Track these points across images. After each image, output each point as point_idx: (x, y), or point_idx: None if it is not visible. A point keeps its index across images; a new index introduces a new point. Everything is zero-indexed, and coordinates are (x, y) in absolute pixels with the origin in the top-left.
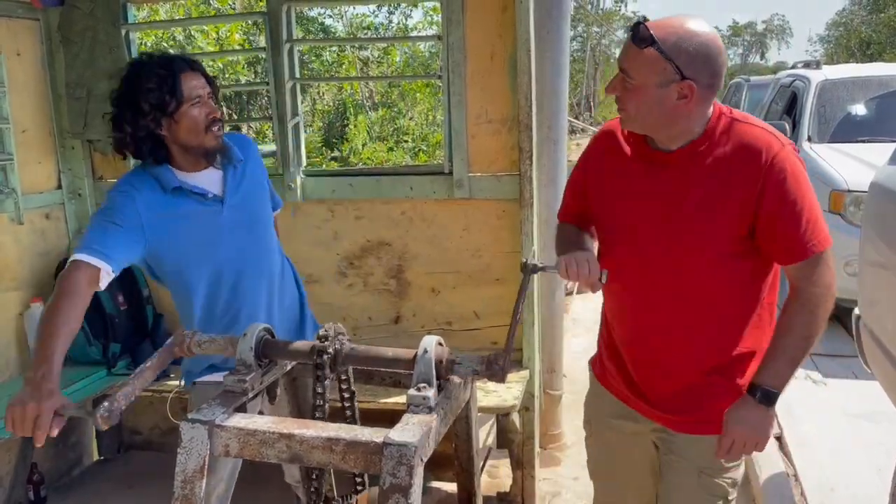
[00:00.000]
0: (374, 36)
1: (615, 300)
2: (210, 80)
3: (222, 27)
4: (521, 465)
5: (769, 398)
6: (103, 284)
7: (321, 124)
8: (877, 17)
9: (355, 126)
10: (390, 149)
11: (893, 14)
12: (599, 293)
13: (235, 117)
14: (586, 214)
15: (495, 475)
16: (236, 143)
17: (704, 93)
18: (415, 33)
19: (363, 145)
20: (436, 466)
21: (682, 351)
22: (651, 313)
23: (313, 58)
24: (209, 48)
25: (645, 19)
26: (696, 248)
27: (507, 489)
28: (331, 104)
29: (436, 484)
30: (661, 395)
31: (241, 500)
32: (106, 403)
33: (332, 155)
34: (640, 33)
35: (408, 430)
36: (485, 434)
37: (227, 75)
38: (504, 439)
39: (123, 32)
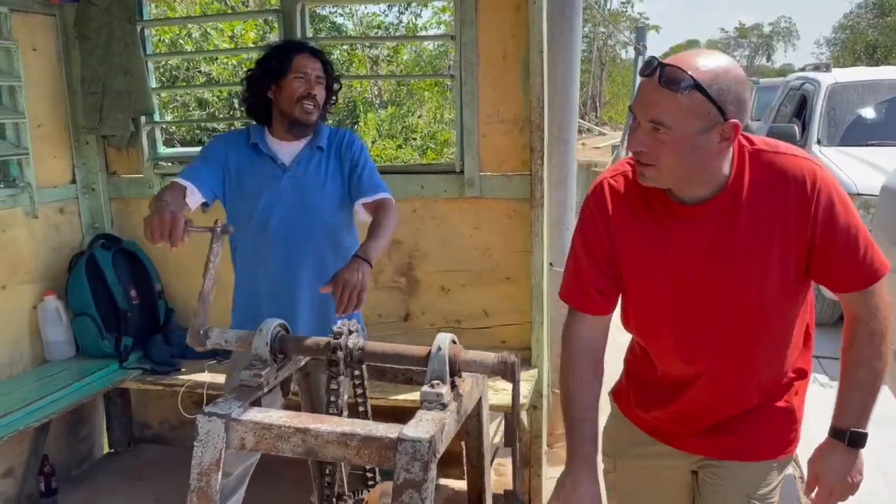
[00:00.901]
0: (386, 35)
1: (660, 358)
2: (328, 69)
3: (237, 25)
4: (529, 464)
5: (859, 440)
6: (191, 202)
7: (332, 122)
8: (883, 21)
9: (365, 124)
10: (399, 146)
11: None
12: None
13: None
14: (604, 289)
15: (502, 473)
16: (333, 135)
17: (740, 130)
18: (423, 33)
19: (373, 142)
20: (444, 464)
21: (734, 390)
22: (701, 362)
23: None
24: (224, 46)
25: (654, 59)
26: (758, 294)
27: (514, 487)
28: (341, 102)
29: (444, 481)
30: (707, 428)
31: (254, 495)
32: (220, 224)
33: None
34: (674, 76)
35: (422, 426)
36: (492, 432)
37: (240, 72)
38: (512, 437)
39: (139, 29)
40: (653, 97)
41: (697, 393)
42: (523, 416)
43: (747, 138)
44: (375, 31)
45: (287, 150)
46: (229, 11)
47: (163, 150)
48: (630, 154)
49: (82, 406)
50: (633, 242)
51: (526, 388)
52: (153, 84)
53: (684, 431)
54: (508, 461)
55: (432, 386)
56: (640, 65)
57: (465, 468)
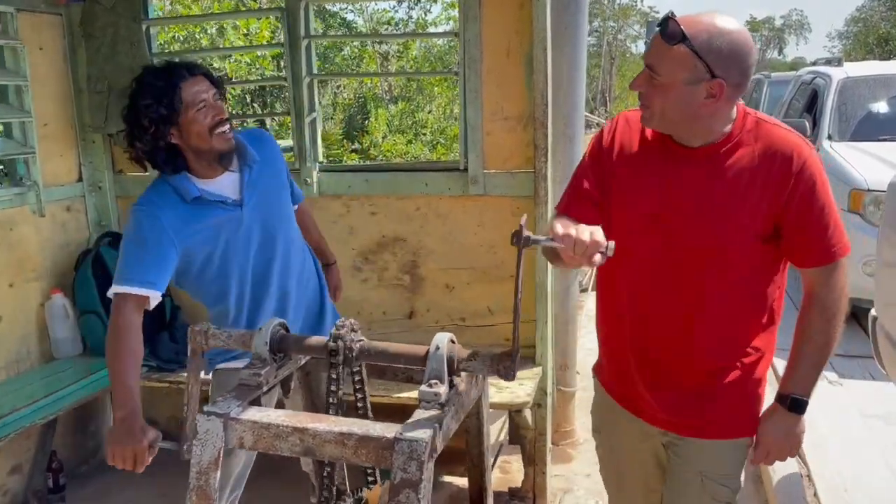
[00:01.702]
0: (395, 31)
1: (621, 296)
2: (215, 82)
3: (253, 23)
4: (533, 462)
5: (799, 406)
6: (152, 304)
7: (342, 117)
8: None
9: (375, 119)
10: (409, 141)
11: None
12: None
13: (260, 111)
14: (594, 207)
15: (507, 470)
16: (252, 139)
17: (732, 92)
18: (433, 29)
19: (383, 138)
20: (447, 461)
21: (692, 349)
22: (663, 309)
23: (335, 52)
24: (239, 42)
25: (673, 14)
26: (719, 243)
27: (519, 485)
28: (352, 97)
29: (447, 479)
30: (669, 399)
31: (255, 491)
32: (187, 444)
33: (353, 147)
34: (669, 29)
35: (419, 426)
36: (497, 430)
37: (254, 70)
38: (516, 435)
39: (144, 28)
40: (653, 46)
41: (648, 351)
42: (527, 413)
43: (756, 112)
44: (386, 27)
45: (225, 183)
46: (231, 8)
47: None
48: None
49: (90, 403)
50: (626, 168)
51: (530, 386)
52: None
53: (647, 401)
54: (514, 459)
55: (430, 385)
56: None
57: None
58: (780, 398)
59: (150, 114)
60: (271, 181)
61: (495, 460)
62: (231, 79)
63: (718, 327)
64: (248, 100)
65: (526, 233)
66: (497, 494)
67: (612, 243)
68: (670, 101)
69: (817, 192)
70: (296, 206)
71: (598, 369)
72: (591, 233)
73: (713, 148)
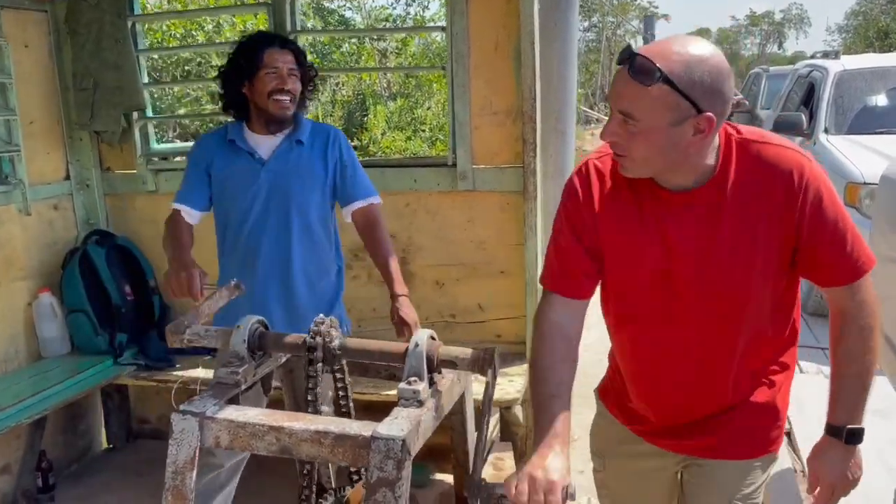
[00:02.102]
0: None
1: (638, 349)
2: (301, 61)
3: (249, 19)
4: (524, 458)
5: (856, 436)
6: (193, 220)
7: (341, 114)
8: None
9: (374, 116)
10: (408, 138)
11: None
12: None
13: None
14: (587, 279)
15: (500, 467)
16: (316, 130)
17: (719, 122)
18: (431, 24)
19: (382, 134)
20: (440, 459)
21: (721, 386)
22: (686, 359)
23: (333, 49)
24: (235, 38)
25: (634, 49)
26: (740, 285)
27: None
28: (350, 94)
29: (439, 476)
30: (691, 427)
31: (247, 489)
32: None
33: (353, 144)
34: (640, 67)
35: (396, 424)
36: (491, 427)
37: None
38: (507, 432)
39: (129, 24)
40: (622, 88)
41: (677, 387)
42: (518, 410)
43: (735, 128)
44: (384, 23)
45: (266, 144)
46: (214, 3)
47: (156, 145)
48: None
49: (79, 402)
50: (616, 227)
51: (520, 382)
52: (145, 79)
53: (667, 430)
54: (508, 455)
55: (409, 383)
56: None
57: None
58: (834, 430)
59: (235, 62)
60: (305, 167)
61: (487, 457)
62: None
63: (746, 357)
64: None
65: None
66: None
67: (573, 493)
68: (655, 147)
69: (826, 206)
70: (355, 205)
71: (604, 394)
72: (545, 485)
73: (708, 186)
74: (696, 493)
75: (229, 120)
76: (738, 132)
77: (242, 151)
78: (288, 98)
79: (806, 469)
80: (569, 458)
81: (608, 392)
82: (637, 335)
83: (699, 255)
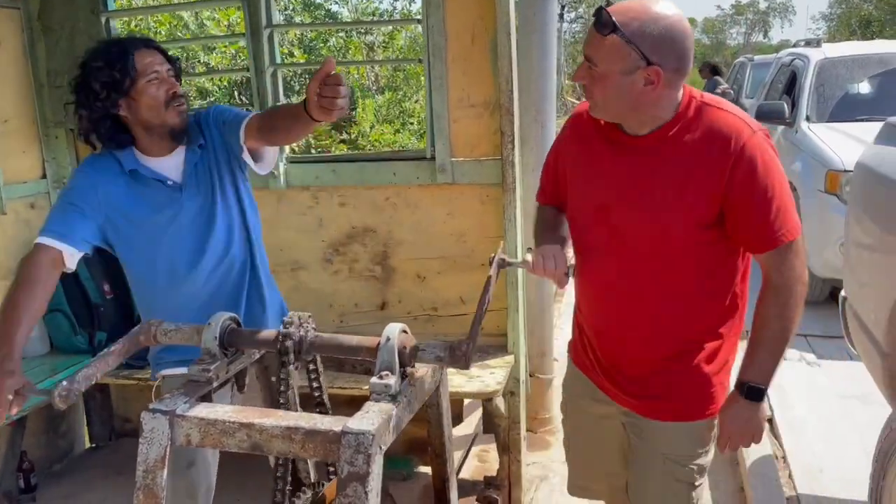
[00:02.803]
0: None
1: (585, 284)
2: (170, 59)
3: (233, 13)
4: (508, 450)
5: (756, 394)
6: (70, 265)
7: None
8: None
9: (363, 109)
10: (397, 130)
11: None
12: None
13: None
14: (561, 197)
15: (485, 459)
16: (198, 122)
17: (672, 78)
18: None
19: (371, 128)
20: (423, 452)
21: (649, 335)
22: (620, 297)
23: (321, 44)
24: (221, 34)
25: (608, 4)
26: (664, 232)
27: (495, 473)
28: None
29: (423, 469)
30: (628, 379)
31: (228, 487)
32: (65, 383)
33: (342, 138)
34: (601, 19)
35: (367, 419)
36: (475, 419)
37: (239, 61)
38: (490, 424)
39: (103, 20)
40: (589, 36)
41: (609, 335)
42: (500, 402)
43: (702, 95)
44: (370, 17)
45: (171, 164)
46: None
47: None
48: None
49: None
50: (577, 160)
51: (502, 374)
52: None
53: (609, 374)
54: (492, 447)
55: (381, 377)
56: None
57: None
58: (738, 385)
59: (102, 77)
60: (215, 159)
61: (470, 449)
62: (217, 69)
63: (674, 312)
64: (236, 93)
65: (502, 256)
66: (472, 483)
67: (572, 267)
68: (610, 91)
69: (758, 173)
70: (245, 121)
71: (570, 345)
72: (555, 257)
73: (657, 135)
74: (636, 450)
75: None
76: (702, 98)
77: (149, 181)
78: (183, 102)
79: (786, 454)
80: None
81: (574, 343)
82: (583, 265)
83: (634, 196)
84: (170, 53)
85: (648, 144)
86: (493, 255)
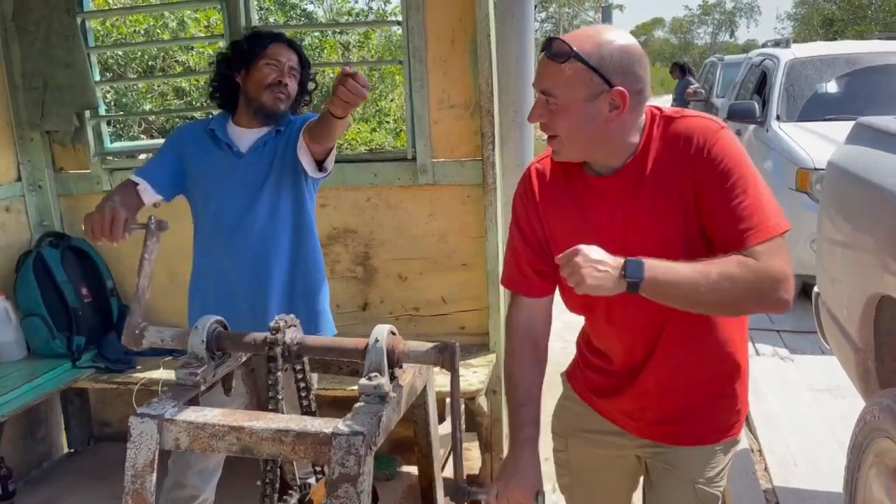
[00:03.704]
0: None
1: (599, 334)
2: (304, 61)
3: (213, 14)
4: (490, 448)
5: (632, 272)
6: (145, 199)
7: (306, 109)
8: None
9: None
10: (373, 129)
11: None
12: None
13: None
14: (541, 278)
15: (467, 458)
16: (293, 117)
17: (635, 100)
18: (393, 18)
19: (347, 127)
20: (407, 451)
21: (676, 369)
22: (639, 340)
23: (298, 42)
24: (200, 34)
25: (550, 37)
26: (664, 256)
27: (477, 472)
28: (314, 87)
29: (406, 469)
30: (656, 415)
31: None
32: (157, 221)
33: None
34: (556, 48)
35: (357, 420)
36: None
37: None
38: (472, 422)
39: (79, 21)
40: (543, 69)
41: (634, 378)
42: (482, 400)
43: (660, 109)
44: (346, 17)
45: (247, 137)
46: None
47: (110, 144)
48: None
49: (38, 406)
50: (557, 221)
51: (484, 373)
52: (97, 77)
53: (628, 417)
54: (473, 446)
55: (370, 378)
56: None
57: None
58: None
59: (238, 48)
60: (283, 156)
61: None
62: (195, 70)
63: (697, 342)
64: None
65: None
66: (455, 481)
67: (541, 497)
68: (574, 122)
69: (729, 164)
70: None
71: (571, 376)
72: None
73: (629, 167)
74: (662, 478)
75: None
76: (661, 112)
77: (220, 143)
78: (284, 94)
79: (762, 447)
80: (539, 462)
81: (576, 374)
82: (593, 320)
83: (627, 234)
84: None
85: (623, 178)
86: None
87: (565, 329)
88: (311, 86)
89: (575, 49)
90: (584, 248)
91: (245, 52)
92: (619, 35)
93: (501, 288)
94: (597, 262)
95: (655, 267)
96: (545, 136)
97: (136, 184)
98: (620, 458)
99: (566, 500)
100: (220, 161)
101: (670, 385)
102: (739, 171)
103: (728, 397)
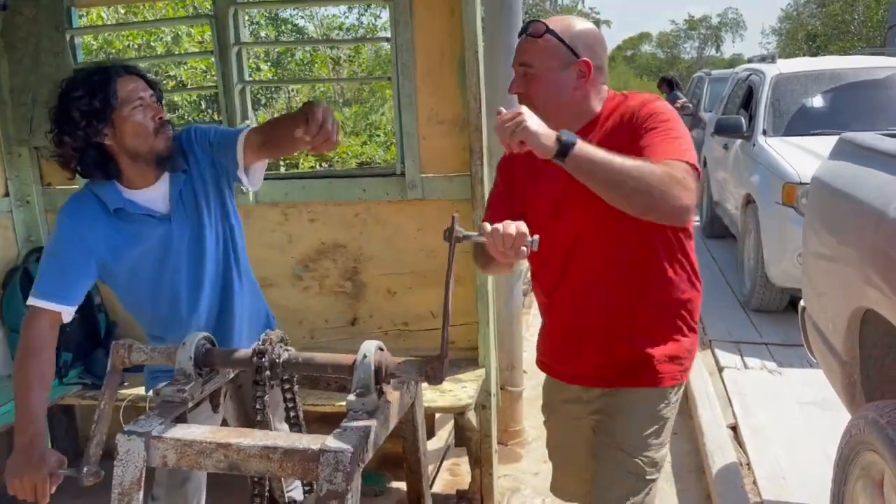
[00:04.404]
0: (346, 37)
1: (544, 282)
2: (152, 84)
3: (208, 30)
4: (480, 463)
5: (567, 137)
6: (67, 319)
7: None
8: (824, 11)
9: None
10: (364, 143)
11: (838, 7)
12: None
13: (216, 118)
14: (516, 216)
15: (457, 473)
16: (181, 145)
17: (597, 74)
18: (383, 33)
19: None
20: (396, 467)
21: (611, 314)
22: (579, 286)
23: (288, 57)
24: (194, 49)
25: (525, 23)
26: (605, 215)
27: (467, 487)
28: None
29: (395, 485)
30: (599, 357)
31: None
32: (87, 467)
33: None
34: (535, 27)
35: (345, 437)
36: (446, 433)
37: (210, 76)
38: (462, 437)
39: (68, 37)
40: (521, 48)
41: (574, 324)
42: (472, 415)
43: (624, 94)
44: (336, 32)
45: (156, 195)
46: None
47: None
48: None
49: None
50: (525, 176)
51: (473, 388)
52: None
53: (582, 362)
54: (463, 461)
55: (358, 394)
56: None
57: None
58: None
59: (82, 106)
60: (202, 184)
61: (442, 463)
62: (186, 85)
63: (639, 281)
64: (203, 106)
65: (458, 229)
66: (445, 497)
67: (536, 237)
68: (549, 87)
69: (658, 118)
70: (242, 139)
71: (538, 353)
72: (517, 226)
73: (585, 129)
74: (597, 445)
75: (80, 188)
76: (623, 94)
77: (136, 217)
78: (170, 129)
79: (751, 460)
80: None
81: (540, 350)
82: (546, 265)
83: (577, 186)
84: (149, 77)
85: (579, 136)
86: (446, 227)
87: None
88: (160, 94)
89: (549, 26)
90: (527, 110)
91: (98, 109)
92: (583, 21)
93: (490, 303)
94: (538, 121)
95: (583, 150)
96: None
97: (51, 313)
98: (578, 427)
99: (551, 467)
100: (150, 235)
101: (613, 325)
102: (669, 121)
103: (668, 341)
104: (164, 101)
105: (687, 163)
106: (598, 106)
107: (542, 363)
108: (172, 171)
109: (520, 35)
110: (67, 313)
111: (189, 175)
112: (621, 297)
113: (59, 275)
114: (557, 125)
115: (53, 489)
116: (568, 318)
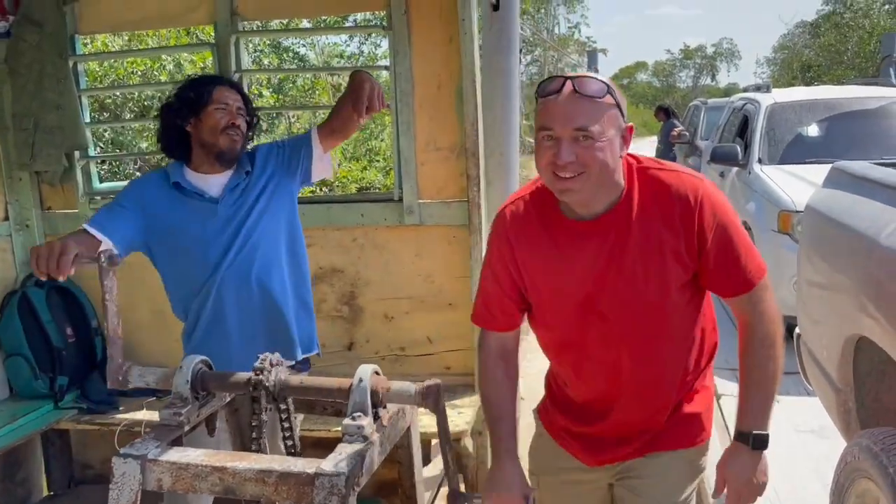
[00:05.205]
0: (347, 65)
1: (572, 371)
2: (246, 100)
3: (209, 56)
4: (476, 490)
5: (762, 442)
6: (103, 248)
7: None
8: (817, 42)
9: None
10: (364, 168)
11: (832, 38)
12: None
13: None
14: (519, 311)
15: None
16: (253, 155)
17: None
18: (383, 62)
19: (339, 165)
20: (391, 494)
21: (661, 396)
22: (614, 377)
23: (289, 84)
24: (196, 74)
25: (558, 76)
26: (653, 302)
27: None
28: (306, 127)
29: None
30: (622, 439)
31: None
32: (109, 256)
33: None
34: (590, 84)
35: (340, 461)
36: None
37: None
38: (458, 464)
39: (71, 64)
40: (573, 108)
41: (622, 404)
42: (468, 442)
43: (635, 157)
44: (337, 59)
45: (214, 182)
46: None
47: (98, 184)
48: (538, 176)
49: (18, 448)
50: (535, 262)
51: (470, 414)
52: (87, 119)
53: (603, 447)
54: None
55: (353, 418)
56: None
57: None
58: (742, 437)
59: (183, 96)
60: (263, 191)
61: (438, 490)
62: None
63: (670, 370)
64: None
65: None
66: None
67: (533, 498)
68: (611, 156)
69: (719, 221)
70: (314, 133)
71: (542, 413)
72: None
73: (615, 211)
74: (638, 491)
75: (166, 164)
76: (638, 161)
77: (189, 193)
78: (238, 135)
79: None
80: (522, 470)
81: (546, 412)
82: (576, 361)
83: (614, 278)
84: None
85: (609, 223)
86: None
87: (540, 373)
88: (255, 121)
89: (606, 83)
90: (753, 484)
91: (192, 100)
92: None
93: None
94: (761, 478)
95: (763, 422)
96: (531, 176)
97: (97, 239)
98: (589, 492)
99: None
100: (196, 210)
101: (651, 409)
102: (732, 220)
103: (692, 412)
104: (251, 115)
105: (765, 277)
106: (622, 179)
107: (548, 422)
108: (230, 167)
109: (556, 90)
110: (105, 244)
111: (251, 176)
112: (665, 382)
113: (109, 211)
114: (600, 199)
115: (72, 270)
116: (601, 402)
